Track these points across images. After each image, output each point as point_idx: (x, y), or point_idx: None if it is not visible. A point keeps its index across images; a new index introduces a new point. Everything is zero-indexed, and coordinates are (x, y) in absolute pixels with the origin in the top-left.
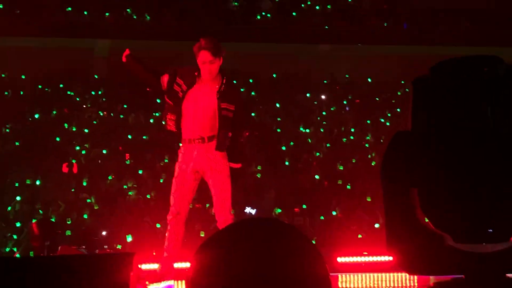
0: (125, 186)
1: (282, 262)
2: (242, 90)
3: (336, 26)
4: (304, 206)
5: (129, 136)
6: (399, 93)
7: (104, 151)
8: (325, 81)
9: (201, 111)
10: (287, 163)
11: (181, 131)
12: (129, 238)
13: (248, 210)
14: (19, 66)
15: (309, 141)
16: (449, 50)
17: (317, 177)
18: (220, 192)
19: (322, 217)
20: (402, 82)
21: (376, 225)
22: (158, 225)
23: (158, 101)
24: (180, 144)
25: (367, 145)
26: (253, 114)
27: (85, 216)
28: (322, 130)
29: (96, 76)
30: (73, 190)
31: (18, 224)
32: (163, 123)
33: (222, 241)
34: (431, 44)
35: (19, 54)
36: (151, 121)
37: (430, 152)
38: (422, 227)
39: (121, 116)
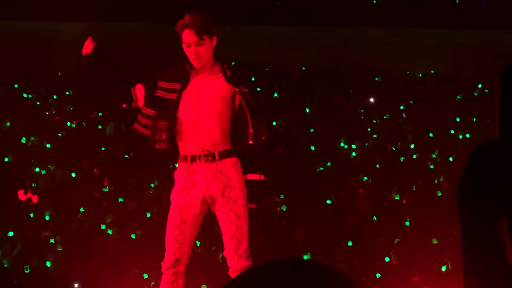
0: (102, 226)
1: None
2: (259, 89)
3: (391, 3)
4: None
5: (108, 152)
6: (475, 94)
7: (73, 174)
8: (376, 79)
9: (204, 109)
10: (322, 190)
11: (177, 145)
12: None
13: None
14: None
15: (353, 160)
16: None
17: (364, 209)
18: (235, 229)
19: (369, 265)
20: (479, 81)
21: (443, 268)
22: (145, 276)
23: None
24: (177, 165)
25: (432, 166)
26: (274, 123)
27: (48, 264)
28: (370, 145)
29: (60, 73)
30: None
31: None
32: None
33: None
34: None
35: None
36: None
37: None
38: None
39: (99, 127)
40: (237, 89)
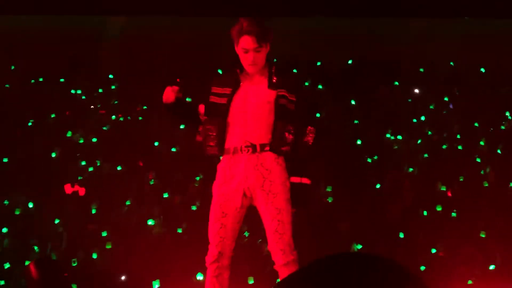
0: (149, 221)
1: None
2: (306, 84)
3: None
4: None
5: (153, 146)
6: None
7: (119, 168)
8: (421, 70)
9: (252, 112)
10: (368, 183)
11: (223, 146)
12: (156, 285)
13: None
14: (5, 54)
15: (398, 152)
16: None
17: (410, 201)
18: (277, 224)
19: (416, 256)
20: None
21: (491, 267)
22: (198, 276)
23: (189, 99)
24: (221, 157)
25: (478, 160)
26: (318, 115)
27: (95, 256)
28: (415, 136)
29: (111, 76)
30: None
31: (6, 266)
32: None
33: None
34: None
35: (4, 38)
36: (182, 126)
37: None
38: None
39: (140, 119)
40: (279, 92)
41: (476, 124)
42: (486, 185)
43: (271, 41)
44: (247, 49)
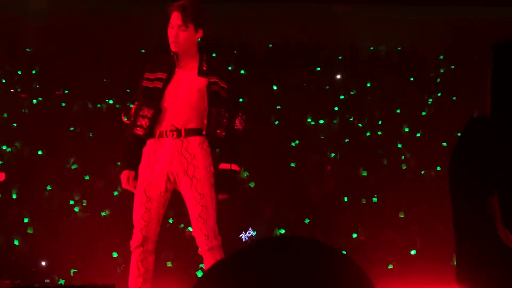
0: (71, 202)
1: None
2: (230, 68)
3: None
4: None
5: (73, 130)
6: (441, 71)
7: (40, 152)
8: (340, 57)
9: (181, 98)
10: (290, 167)
11: (153, 130)
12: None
13: (246, 234)
14: None
15: (321, 137)
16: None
17: (331, 186)
18: (201, 209)
19: (337, 241)
20: (441, 57)
21: (412, 252)
22: (114, 254)
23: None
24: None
25: (399, 145)
26: (241, 100)
27: (16, 242)
28: (337, 121)
29: (28, 50)
30: None
31: None
32: (125, 119)
33: (235, 273)
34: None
35: None
36: (103, 109)
37: None
38: (504, 247)
39: (63, 104)
40: (210, 78)
41: (398, 111)
42: (404, 167)
43: (203, 27)
44: (172, 24)
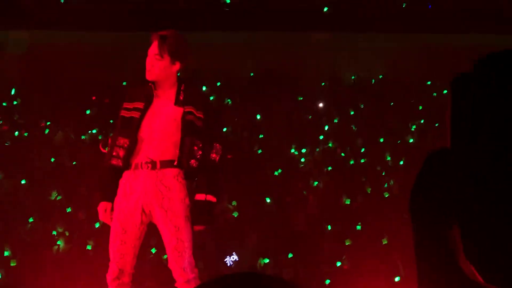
0: (54, 232)
1: None
2: (211, 98)
3: (337, 8)
4: (291, 255)
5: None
6: (423, 98)
7: (23, 181)
8: (323, 84)
9: (157, 129)
10: (271, 198)
11: (129, 161)
12: None
13: (230, 259)
14: None
15: (303, 166)
16: (494, 39)
17: (314, 214)
18: (176, 242)
19: (321, 269)
20: (428, 83)
21: (396, 279)
22: None
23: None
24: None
25: (383, 173)
26: (224, 130)
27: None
28: (320, 150)
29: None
30: None
31: None
32: (105, 150)
33: None
34: (467, 31)
35: None
36: (85, 141)
37: (479, 178)
38: (467, 280)
39: (46, 132)
40: (185, 108)
41: (381, 140)
42: (387, 195)
43: (181, 60)
44: (149, 53)
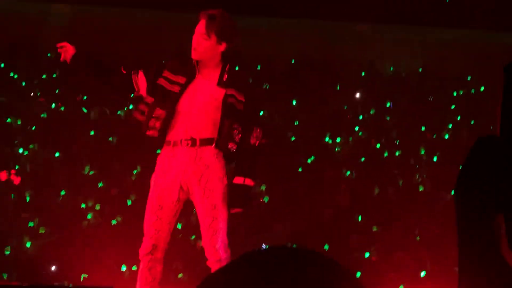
0: (83, 205)
1: None
2: (250, 80)
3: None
4: (326, 247)
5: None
6: (461, 93)
7: (57, 154)
8: (362, 73)
9: (197, 106)
10: (305, 183)
11: (166, 132)
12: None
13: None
14: None
15: (337, 154)
16: None
17: (346, 204)
18: (212, 220)
19: (349, 260)
20: (468, 78)
21: (422, 274)
22: (123, 267)
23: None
24: (159, 151)
25: (415, 164)
26: (260, 114)
27: (28, 245)
28: (354, 140)
29: (49, 55)
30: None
31: None
32: (139, 121)
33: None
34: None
35: None
36: (120, 117)
37: None
38: (508, 269)
39: (84, 110)
40: (227, 91)
41: (418, 133)
42: (421, 189)
43: (228, 41)
44: (196, 32)
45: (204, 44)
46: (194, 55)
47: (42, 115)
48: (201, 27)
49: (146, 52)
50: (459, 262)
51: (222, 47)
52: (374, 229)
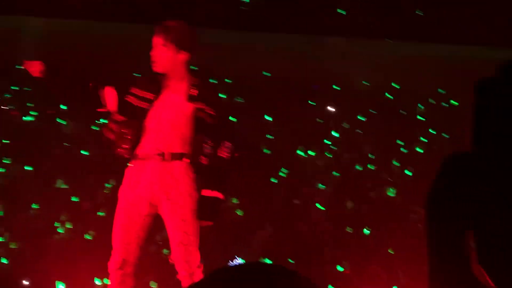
0: (56, 224)
1: None
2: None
3: (355, 14)
4: (293, 261)
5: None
6: (433, 106)
7: (30, 168)
8: (335, 87)
9: (167, 121)
10: (278, 196)
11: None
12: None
13: (233, 263)
14: None
15: (310, 167)
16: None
17: (319, 217)
18: (182, 235)
19: (321, 273)
20: (440, 90)
21: None
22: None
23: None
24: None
25: (389, 179)
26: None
27: (4, 260)
28: (329, 154)
29: (21, 68)
30: None
31: None
32: (110, 135)
33: None
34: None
35: None
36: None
37: (499, 181)
38: (478, 285)
39: (58, 120)
40: (196, 105)
41: (389, 147)
42: (394, 202)
43: (187, 49)
44: (153, 44)
45: (162, 55)
46: (155, 68)
47: (14, 129)
48: (157, 38)
49: (119, 67)
50: (429, 277)
51: (182, 56)
52: (347, 242)
